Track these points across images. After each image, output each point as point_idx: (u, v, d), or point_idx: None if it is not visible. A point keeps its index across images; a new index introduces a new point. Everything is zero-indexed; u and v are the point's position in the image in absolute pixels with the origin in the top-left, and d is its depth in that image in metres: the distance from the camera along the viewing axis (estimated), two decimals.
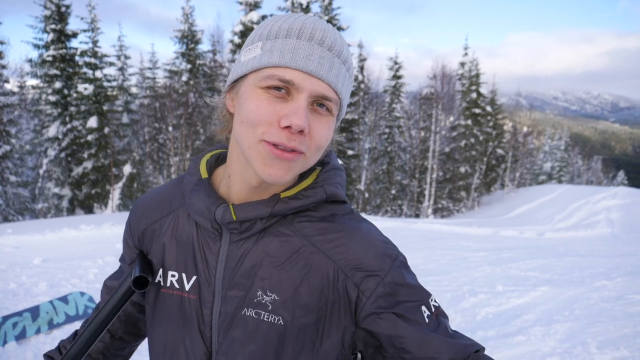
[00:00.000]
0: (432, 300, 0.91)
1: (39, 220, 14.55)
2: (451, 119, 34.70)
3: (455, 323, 5.06)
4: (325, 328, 0.88)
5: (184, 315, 0.93)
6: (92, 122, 22.35)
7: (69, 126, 22.63)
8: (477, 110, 33.61)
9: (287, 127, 0.79)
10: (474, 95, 33.98)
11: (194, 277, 0.92)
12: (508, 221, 19.83)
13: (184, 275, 0.93)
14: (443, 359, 0.84)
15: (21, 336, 4.37)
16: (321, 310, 0.87)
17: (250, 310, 0.88)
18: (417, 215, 30.78)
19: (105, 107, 23.31)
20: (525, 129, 46.01)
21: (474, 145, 33.11)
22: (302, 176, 0.94)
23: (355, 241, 0.88)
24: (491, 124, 35.45)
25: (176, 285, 0.94)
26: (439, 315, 0.90)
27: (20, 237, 8.89)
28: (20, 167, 21.44)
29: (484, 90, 35.08)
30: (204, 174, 0.95)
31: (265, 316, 0.87)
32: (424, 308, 0.88)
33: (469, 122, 33.24)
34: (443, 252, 9.47)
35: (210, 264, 0.91)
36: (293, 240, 0.89)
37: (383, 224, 15.22)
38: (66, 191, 22.71)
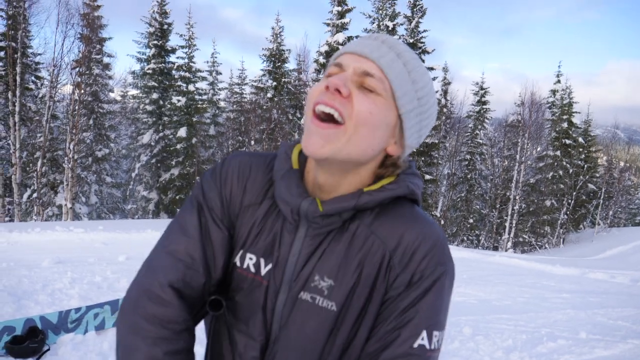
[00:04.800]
0: (437, 336, 0.89)
1: (127, 220, 15.60)
2: (538, 148, 32.96)
3: None
4: (373, 310, 0.91)
5: (252, 299, 0.94)
6: (182, 132, 23.76)
7: (161, 134, 24.23)
8: (568, 141, 31.61)
9: (327, 87, 0.85)
10: (565, 124, 31.99)
11: (270, 264, 0.93)
12: (597, 263, 18.34)
13: (262, 260, 0.94)
14: None
15: (100, 327, 4.65)
16: (372, 293, 0.90)
17: (307, 294, 0.90)
18: (496, 248, 29.36)
19: (194, 119, 24.70)
20: (622, 163, 42.69)
21: (562, 178, 31.08)
22: (382, 178, 0.95)
23: (409, 225, 0.91)
24: (583, 156, 33.21)
25: (252, 269, 0.94)
26: (428, 357, 0.88)
27: (109, 235, 9.57)
28: (115, 169, 23.27)
29: (576, 120, 32.97)
30: (295, 164, 0.96)
31: (320, 301, 0.89)
32: (424, 333, 0.87)
33: (558, 153, 31.29)
34: (521, 290, 8.92)
35: (283, 253, 0.93)
36: (352, 227, 0.92)
37: (458, 253, 14.66)
38: (153, 195, 24.19)
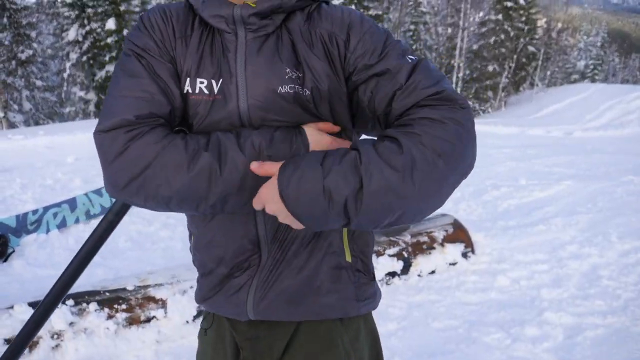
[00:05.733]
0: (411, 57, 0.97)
1: (68, 123, 14.89)
2: (480, 14, 32.76)
3: (477, 214, 5.17)
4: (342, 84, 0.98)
5: (213, 119, 0.97)
6: (110, 23, 21.88)
7: (87, 28, 22.26)
8: (509, 4, 31.43)
9: None
10: None
11: (221, 80, 0.96)
12: (535, 121, 19.41)
13: (213, 81, 0.97)
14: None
15: (62, 225, 4.66)
16: (334, 70, 0.97)
17: (285, 87, 0.94)
18: None
19: (122, 8, 22.68)
20: (560, 24, 43.30)
21: (504, 42, 31.39)
22: None
23: (335, 11, 1.00)
24: (523, 19, 33.29)
25: (205, 91, 0.97)
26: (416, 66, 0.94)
27: (53, 138, 9.16)
28: (44, 72, 21.55)
29: None
30: None
31: (298, 89, 0.94)
32: (405, 59, 0.95)
33: (500, 17, 31.24)
34: None
35: (231, 62, 0.96)
36: (289, 26, 0.99)
37: None
38: (91, 95, 22.91)
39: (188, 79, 0.98)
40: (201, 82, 0.97)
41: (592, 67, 52.10)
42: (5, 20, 19.41)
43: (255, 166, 0.87)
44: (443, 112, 0.85)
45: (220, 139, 0.90)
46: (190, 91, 0.97)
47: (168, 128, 0.93)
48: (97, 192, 5.11)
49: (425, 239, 3.80)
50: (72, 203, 4.84)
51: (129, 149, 0.87)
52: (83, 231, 4.68)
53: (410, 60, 0.94)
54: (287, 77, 0.94)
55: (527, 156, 8.69)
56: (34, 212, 4.55)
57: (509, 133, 13.50)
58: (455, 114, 0.86)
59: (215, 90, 0.96)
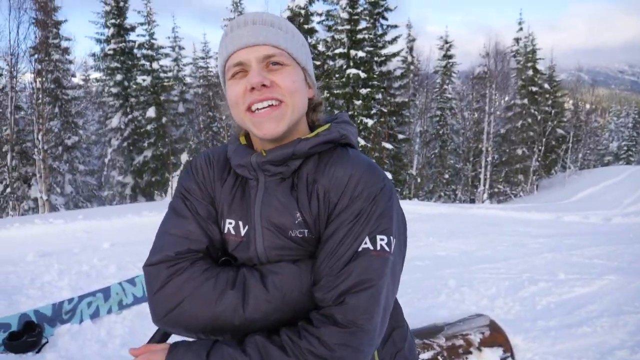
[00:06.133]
0: (383, 239, 0.98)
1: (105, 207, 15.39)
2: (506, 98, 33.40)
3: (514, 312, 4.95)
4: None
5: (242, 257, 1.07)
6: (151, 112, 23.23)
7: (129, 117, 23.63)
8: (534, 89, 32.03)
9: (252, 89, 1.00)
10: (530, 72, 32.32)
11: (245, 224, 1.07)
12: (571, 205, 18.98)
13: (240, 222, 1.07)
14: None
15: (95, 315, 4.69)
16: (318, 223, 1.03)
17: (295, 232, 1.02)
18: (472, 201, 30.03)
19: (162, 98, 24.14)
20: (587, 106, 43.61)
21: (532, 125, 31.64)
22: (316, 125, 1.15)
23: (341, 163, 1.04)
24: (550, 102, 33.74)
25: (232, 232, 1.08)
26: (372, 256, 0.96)
27: (90, 223, 9.46)
28: (87, 156, 22.75)
29: (541, 66, 33.30)
30: (242, 141, 1.14)
31: (307, 233, 1.02)
32: (367, 239, 0.97)
33: (526, 101, 31.72)
34: (500, 239, 9.22)
35: (251, 207, 1.06)
36: (301, 174, 1.06)
37: (436, 209, 14.98)
38: (129, 179, 23.80)
39: (222, 219, 1.10)
40: (229, 223, 1.08)
41: (625, 148, 51.53)
42: (56, 109, 20.86)
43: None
44: (332, 334, 0.91)
45: (246, 276, 1.00)
46: (223, 230, 1.09)
47: (207, 261, 1.04)
48: (131, 281, 5.18)
49: (460, 342, 3.63)
50: (106, 292, 4.89)
51: (168, 284, 1.00)
52: (115, 322, 4.68)
53: (364, 247, 0.96)
54: (297, 221, 1.02)
55: (565, 246, 8.42)
56: (70, 300, 4.61)
57: (544, 219, 13.19)
58: (347, 339, 0.91)
59: (242, 232, 1.07)
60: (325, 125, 1.11)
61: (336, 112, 1.18)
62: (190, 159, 1.15)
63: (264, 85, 1.00)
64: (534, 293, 5.51)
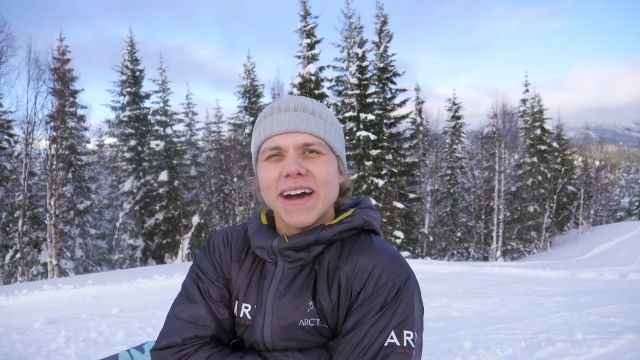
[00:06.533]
0: (409, 335, 0.96)
1: (115, 271, 15.35)
2: (515, 156, 33.60)
3: None
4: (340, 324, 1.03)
5: (250, 341, 1.07)
6: (163, 175, 23.67)
7: (142, 180, 24.09)
8: (543, 147, 32.34)
9: (287, 175, 1.00)
10: (538, 131, 32.80)
11: (258, 310, 1.07)
12: (585, 262, 18.58)
13: (256, 307, 1.07)
14: None
15: None
16: (338, 312, 1.02)
17: (307, 321, 1.00)
18: (486, 258, 29.51)
19: (174, 161, 24.66)
20: (597, 162, 43.63)
21: (542, 182, 31.66)
22: (341, 209, 1.15)
23: (364, 251, 1.04)
24: (559, 160, 33.94)
25: (248, 317, 1.07)
26: (400, 353, 0.94)
27: (100, 288, 9.43)
28: (99, 220, 22.92)
29: (548, 125, 33.79)
30: (264, 221, 1.14)
31: (319, 322, 1.01)
32: (393, 333, 0.95)
33: (535, 159, 31.96)
34: (514, 298, 9.01)
35: (264, 291, 1.06)
36: (323, 261, 1.06)
37: (450, 268, 14.75)
38: (139, 242, 23.87)
39: (237, 302, 1.10)
40: (246, 307, 1.08)
41: (637, 203, 50.96)
42: (70, 175, 21.32)
43: None
44: None
45: None
46: (238, 314, 1.09)
47: (213, 346, 1.04)
48: (139, 348, 5.08)
49: None
50: None
51: None
52: None
53: (390, 342, 0.94)
54: (309, 310, 1.01)
55: (581, 305, 8.19)
56: None
57: (559, 277, 12.91)
58: None
59: (252, 316, 1.07)
60: (349, 210, 1.11)
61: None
62: (209, 237, 1.22)
63: (299, 174, 1.00)
64: (551, 354, 5.33)
